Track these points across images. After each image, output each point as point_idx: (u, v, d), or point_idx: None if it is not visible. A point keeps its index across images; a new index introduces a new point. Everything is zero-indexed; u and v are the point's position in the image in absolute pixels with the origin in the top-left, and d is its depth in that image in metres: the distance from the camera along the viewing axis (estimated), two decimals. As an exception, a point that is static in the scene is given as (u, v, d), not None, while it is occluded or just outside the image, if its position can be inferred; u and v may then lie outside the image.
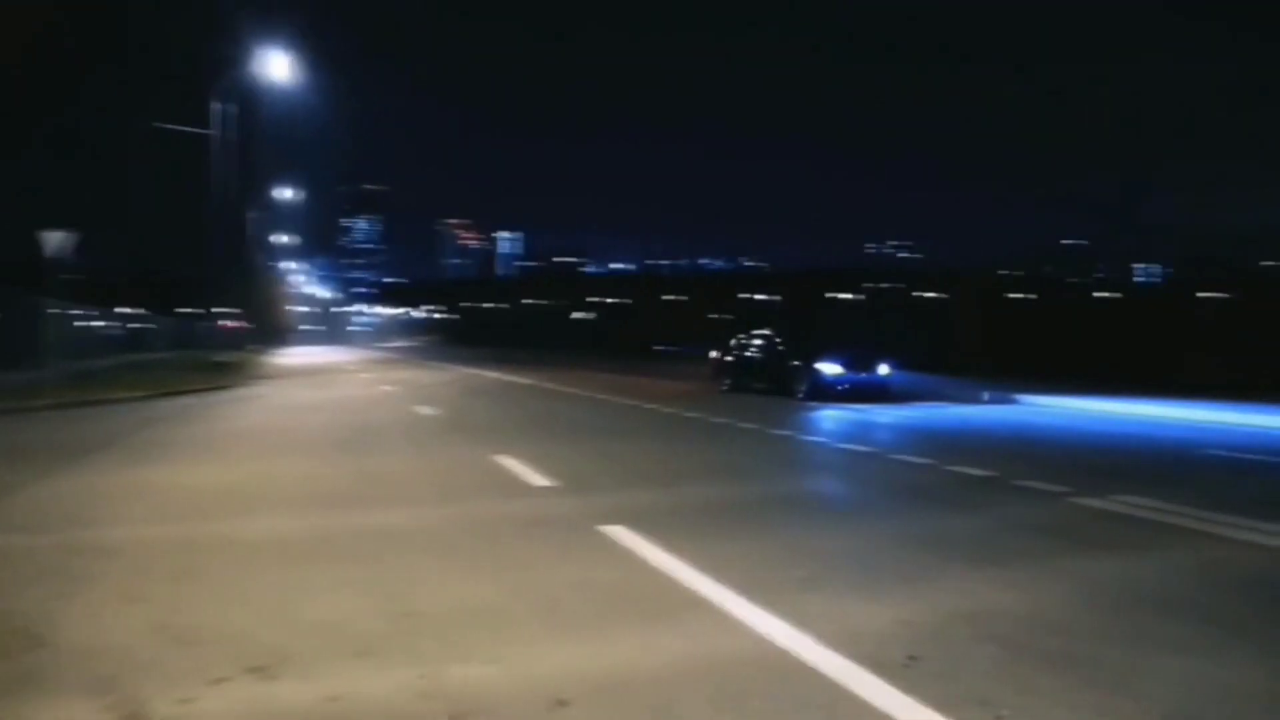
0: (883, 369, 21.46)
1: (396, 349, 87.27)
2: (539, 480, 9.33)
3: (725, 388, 24.18)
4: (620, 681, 4.03)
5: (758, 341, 24.10)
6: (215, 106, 35.57)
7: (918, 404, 19.94)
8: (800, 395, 20.91)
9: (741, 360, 24.24)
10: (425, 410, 17.69)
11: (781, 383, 21.97)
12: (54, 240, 20.91)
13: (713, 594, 5.27)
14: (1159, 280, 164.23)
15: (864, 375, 21.10)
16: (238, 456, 11.51)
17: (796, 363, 21.81)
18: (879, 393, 20.85)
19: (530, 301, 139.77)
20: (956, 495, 8.84)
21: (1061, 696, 3.90)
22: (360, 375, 33.26)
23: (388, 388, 25.28)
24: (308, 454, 11.67)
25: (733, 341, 25.16)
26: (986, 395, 21.09)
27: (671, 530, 6.88)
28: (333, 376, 32.63)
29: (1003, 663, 4.28)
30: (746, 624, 4.77)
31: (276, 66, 34.76)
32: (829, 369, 21.00)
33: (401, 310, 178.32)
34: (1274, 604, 5.34)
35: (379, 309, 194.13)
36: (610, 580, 5.63)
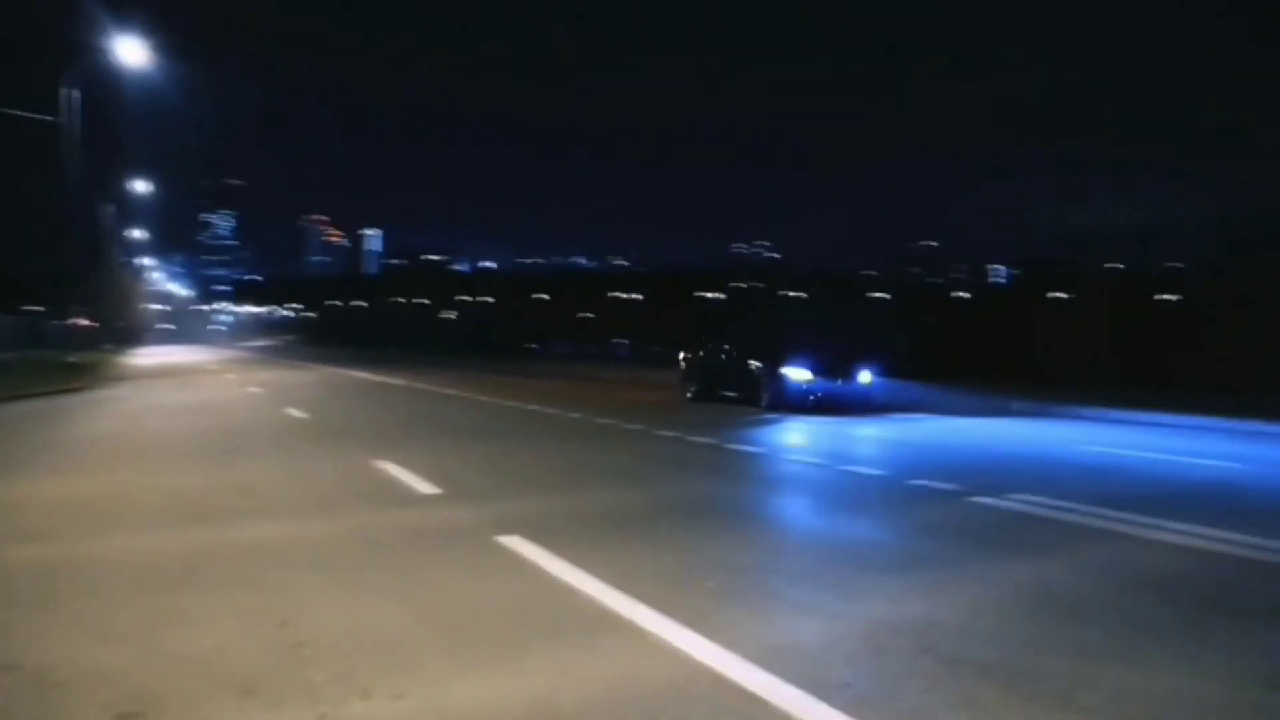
0: (864, 376, 18.55)
1: (259, 348, 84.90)
2: (426, 488, 8.86)
3: (691, 395, 20.86)
4: (542, 715, 3.69)
5: (724, 345, 20.76)
6: (65, 93, 33.76)
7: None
8: (764, 405, 18.23)
9: (706, 365, 20.88)
10: (296, 413, 16.93)
11: (746, 390, 19.12)
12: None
13: (626, 610, 4.96)
14: (1004, 281, 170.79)
15: (839, 384, 18.28)
16: (97, 466, 10.69)
17: (756, 366, 19.10)
18: (859, 405, 18.11)
19: (398, 300, 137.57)
20: (861, 497, 8.71)
21: (1008, 714, 3.72)
22: (224, 376, 31.99)
23: (254, 389, 24.25)
24: (174, 462, 10.92)
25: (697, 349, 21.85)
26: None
27: (573, 540, 6.55)
28: (195, 377, 31.28)
29: (942, 678, 4.09)
30: (668, 642, 4.46)
31: (132, 53, 33.20)
32: (797, 375, 18.13)
33: (264, 309, 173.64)
34: (1195, 607, 5.27)
35: (240, 307, 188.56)
36: (515, 598, 5.25)
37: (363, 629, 4.71)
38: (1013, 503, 8.22)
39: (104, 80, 41.29)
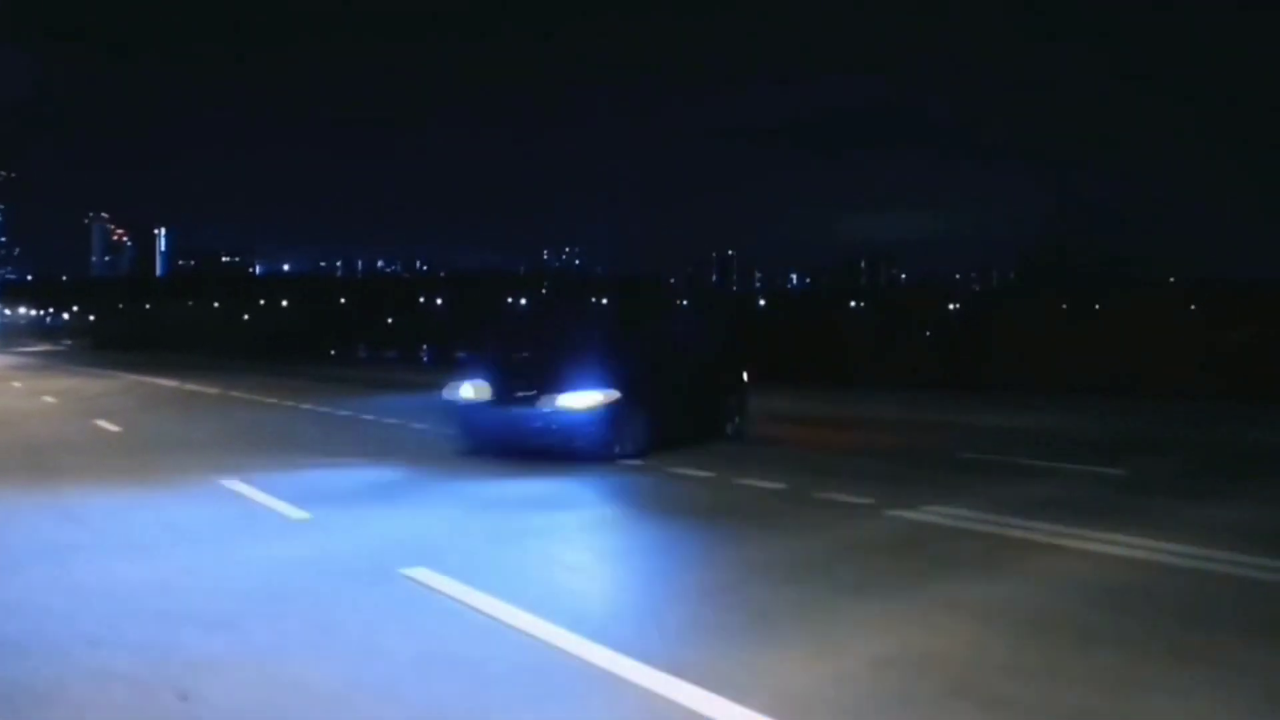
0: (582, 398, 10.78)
1: (39, 353, 78.98)
2: (293, 512, 7.88)
3: None
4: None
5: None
6: None
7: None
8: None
9: None
10: (108, 425, 15.29)
11: None
12: None
13: (584, 651, 4.31)
14: (795, 288, 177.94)
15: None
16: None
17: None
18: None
19: (189, 304, 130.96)
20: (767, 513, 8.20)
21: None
22: (9, 383, 29.11)
23: (49, 399, 22.06)
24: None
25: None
26: None
27: (482, 569, 5.86)
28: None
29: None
30: (661, 694, 3.82)
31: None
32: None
33: (39, 311, 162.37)
34: (1177, 621, 4.96)
35: (9, 309, 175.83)
36: (456, 648, 4.48)
37: (289, 704, 3.86)
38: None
39: None
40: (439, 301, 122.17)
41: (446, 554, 6.30)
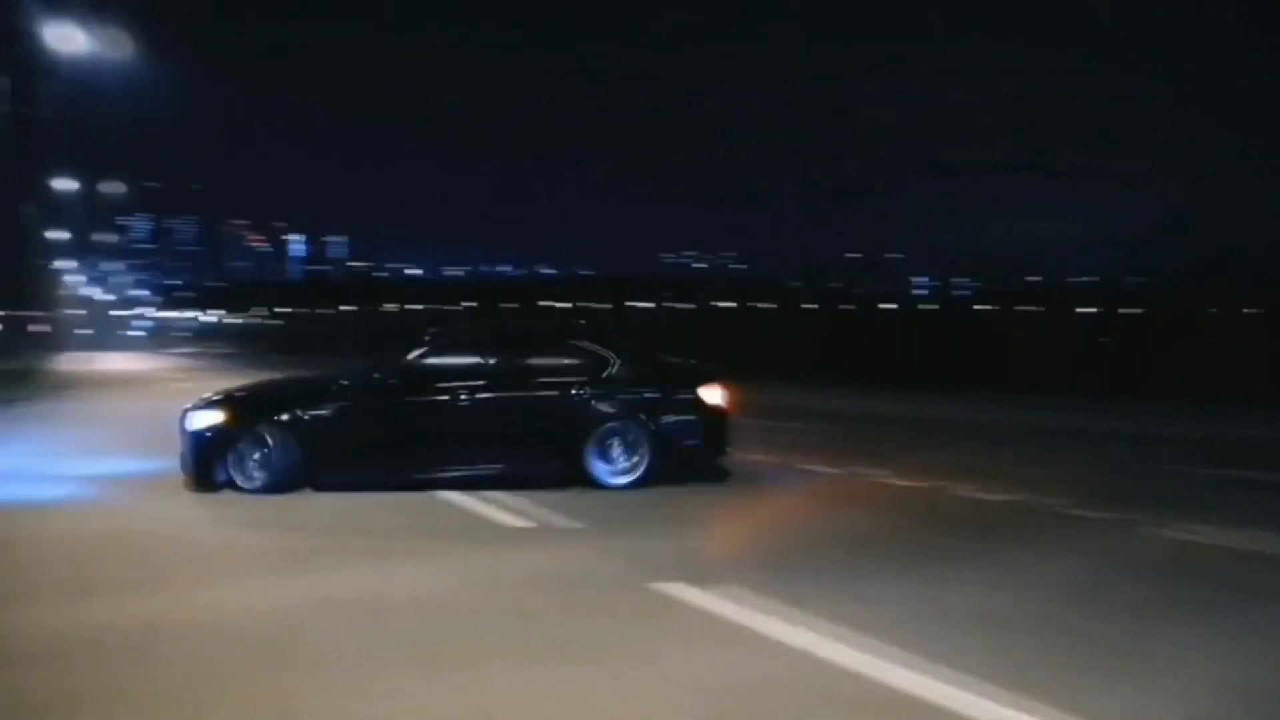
0: None
1: (202, 355, 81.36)
2: (511, 519, 7.94)
3: None
4: None
5: None
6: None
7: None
8: None
9: None
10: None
11: None
12: None
13: (944, 697, 3.95)
14: (927, 293, 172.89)
15: None
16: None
17: None
18: None
19: (324, 308, 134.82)
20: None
21: None
22: (183, 385, 30.03)
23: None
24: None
25: None
26: None
27: (761, 583, 5.71)
28: (158, 387, 29.37)
29: None
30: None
31: (66, 41, 31.36)
32: None
33: (187, 314, 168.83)
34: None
35: (161, 312, 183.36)
36: (757, 677, 4.29)
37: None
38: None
39: (35, 72, 39.32)
40: (560, 305, 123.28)
41: (710, 571, 6.19)
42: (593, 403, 9.52)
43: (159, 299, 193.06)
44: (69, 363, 51.58)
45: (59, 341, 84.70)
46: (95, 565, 6.43)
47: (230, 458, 9.09)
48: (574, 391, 9.57)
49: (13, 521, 8.05)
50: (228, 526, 7.79)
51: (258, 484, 9.06)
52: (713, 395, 9.69)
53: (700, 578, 5.81)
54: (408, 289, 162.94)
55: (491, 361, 9.71)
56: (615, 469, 9.36)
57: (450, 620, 5.17)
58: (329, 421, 9.36)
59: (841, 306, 54.39)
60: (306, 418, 9.31)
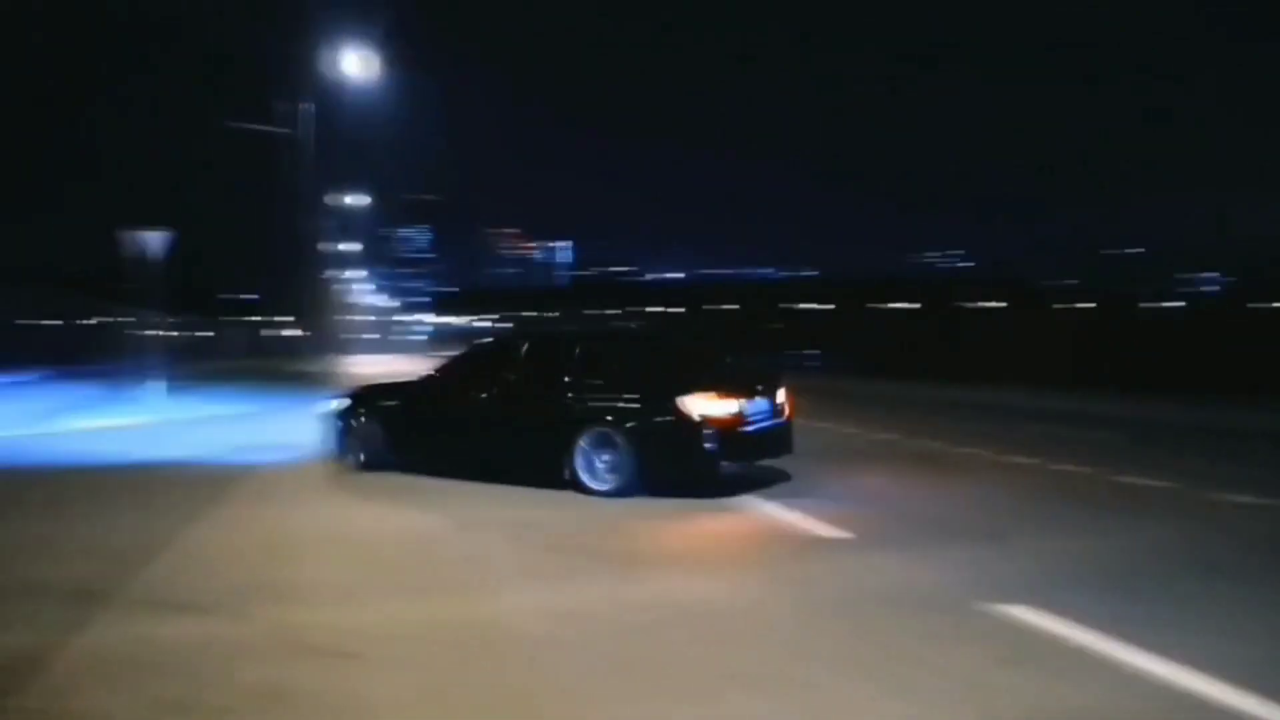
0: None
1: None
2: (824, 529, 7.43)
3: None
4: None
5: None
6: (294, 106, 34.07)
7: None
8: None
9: None
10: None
11: None
12: (153, 241, 19.38)
13: None
14: (1218, 290, 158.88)
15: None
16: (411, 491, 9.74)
17: None
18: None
19: (588, 312, 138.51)
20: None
21: None
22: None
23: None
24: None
25: None
26: None
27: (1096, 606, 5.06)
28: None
29: None
30: None
31: (353, 65, 33.26)
32: None
33: (461, 319, 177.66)
34: None
35: (437, 318, 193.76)
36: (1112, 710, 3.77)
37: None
38: None
39: (326, 94, 42.06)
40: (822, 306, 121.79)
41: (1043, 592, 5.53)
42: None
43: (431, 305, 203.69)
44: (354, 365, 55.07)
45: (345, 346, 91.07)
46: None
47: None
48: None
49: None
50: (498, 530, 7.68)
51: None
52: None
53: (1034, 597, 5.19)
54: (667, 293, 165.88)
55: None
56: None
57: (776, 635, 4.88)
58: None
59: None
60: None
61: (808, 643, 4.73)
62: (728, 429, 8.78)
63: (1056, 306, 56.66)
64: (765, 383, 9.75)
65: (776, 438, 9.66)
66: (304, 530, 7.54)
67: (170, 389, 21.13)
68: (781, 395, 9.92)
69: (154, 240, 19.42)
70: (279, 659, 4.45)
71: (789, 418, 9.98)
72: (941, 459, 12.06)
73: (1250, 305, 44.60)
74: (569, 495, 8.80)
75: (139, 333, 27.06)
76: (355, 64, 32.94)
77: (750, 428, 9.11)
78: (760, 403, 9.40)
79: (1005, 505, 8.76)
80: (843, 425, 15.34)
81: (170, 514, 7.92)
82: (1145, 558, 6.58)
